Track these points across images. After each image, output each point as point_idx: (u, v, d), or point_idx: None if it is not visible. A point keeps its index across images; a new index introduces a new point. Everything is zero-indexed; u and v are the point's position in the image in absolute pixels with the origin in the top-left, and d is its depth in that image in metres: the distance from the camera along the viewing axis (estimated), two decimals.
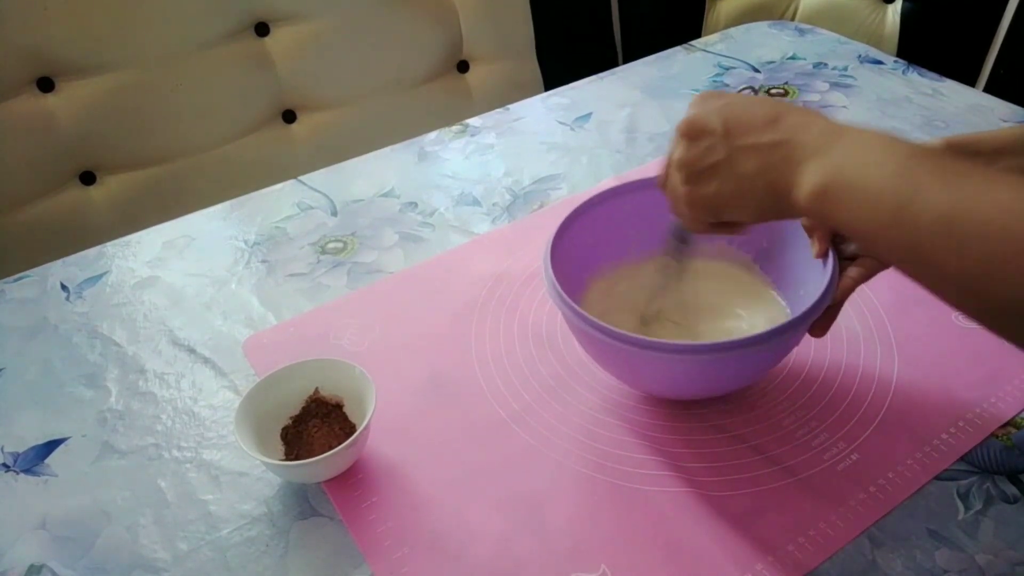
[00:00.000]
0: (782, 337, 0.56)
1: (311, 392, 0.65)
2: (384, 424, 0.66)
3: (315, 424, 0.64)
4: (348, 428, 0.64)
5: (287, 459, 0.62)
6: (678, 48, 1.20)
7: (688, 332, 0.67)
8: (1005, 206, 0.38)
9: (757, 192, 0.51)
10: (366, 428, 0.60)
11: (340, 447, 0.58)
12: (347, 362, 0.64)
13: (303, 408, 0.65)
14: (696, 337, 0.67)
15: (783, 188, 0.49)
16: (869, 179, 0.44)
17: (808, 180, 0.47)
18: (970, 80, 1.31)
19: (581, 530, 0.58)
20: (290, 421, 0.64)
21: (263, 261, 0.85)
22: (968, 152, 0.57)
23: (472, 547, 0.57)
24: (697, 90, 1.08)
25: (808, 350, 0.70)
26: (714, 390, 0.63)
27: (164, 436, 0.67)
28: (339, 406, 0.65)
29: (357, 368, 0.64)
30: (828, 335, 0.59)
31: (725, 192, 0.53)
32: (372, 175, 0.97)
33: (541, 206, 0.90)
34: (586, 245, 0.68)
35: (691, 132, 0.53)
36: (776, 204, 0.51)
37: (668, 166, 0.57)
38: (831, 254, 0.58)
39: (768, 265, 0.70)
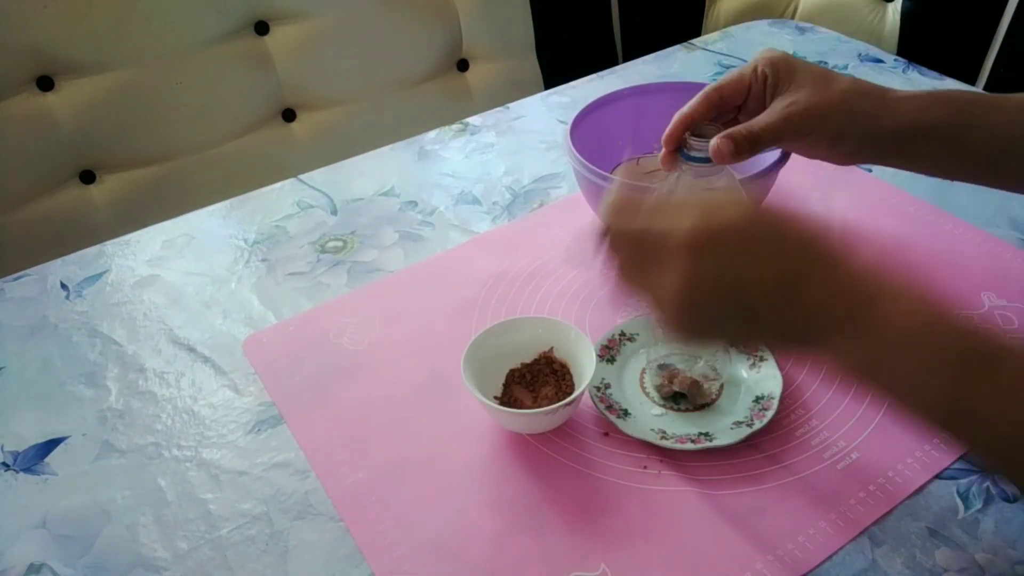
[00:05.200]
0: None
1: (546, 349, 0.67)
2: (384, 423, 0.66)
3: (544, 378, 0.67)
4: (564, 389, 0.65)
5: (500, 402, 0.65)
6: (678, 47, 1.20)
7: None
8: None
9: (770, 347, 0.48)
10: (580, 394, 0.61)
11: (558, 404, 0.60)
12: (566, 323, 0.67)
13: (534, 360, 0.67)
14: None
15: (800, 357, 0.45)
16: (911, 401, 0.39)
17: (829, 360, 0.41)
18: (970, 79, 1.31)
19: (581, 530, 0.58)
20: (521, 366, 0.67)
21: (263, 260, 0.85)
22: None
23: (472, 547, 0.57)
24: None
25: None
26: None
27: (164, 435, 0.67)
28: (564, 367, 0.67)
29: (573, 330, 0.66)
30: None
31: (729, 341, 0.47)
32: (372, 174, 0.97)
33: (541, 205, 0.90)
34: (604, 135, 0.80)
35: (691, 300, 0.42)
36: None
37: (651, 309, 0.45)
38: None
39: None
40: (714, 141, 0.55)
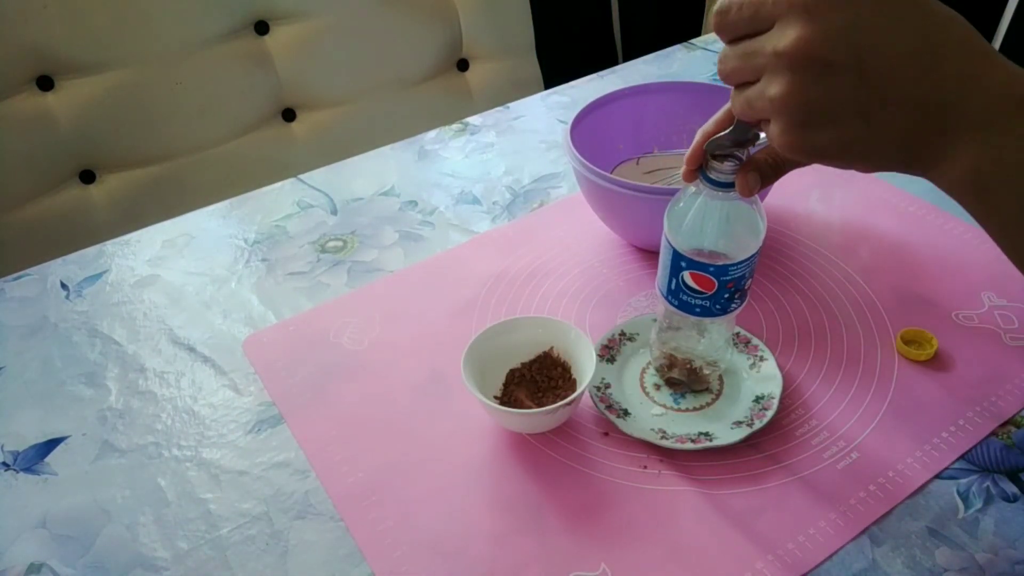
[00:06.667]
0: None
1: (546, 349, 0.67)
2: (384, 423, 0.66)
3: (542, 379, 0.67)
4: (561, 389, 0.65)
5: (500, 402, 0.65)
6: (678, 46, 1.20)
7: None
8: None
9: (889, 152, 0.39)
10: (579, 394, 0.61)
11: (559, 403, 0.60)
12: (566, 323, 0.67)
13: (534, 359, 0.67)
14: None
15: (925, 158, 0.38)
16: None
17: (960, 161, 0.37)
18: None
19: (581, 530, 0.58)
20: (521, 365, 0.67)
21: (263, 260, 0.85)
22: None
23: (472, 547, 0.57)
24: None
25: (809, 347, 0.70)
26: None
27: (164, 435, 0.67)
28: (566, 369, 0.67)
29: (573, 330, 0.66)
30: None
31: (845, 143, 0.40)
32: (372, 174, 0.97)
33: (541, 204, 0.90)
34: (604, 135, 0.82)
35: (809, 63, 0.37)
36: (907, 167, 0.40)
37: (758, 97, 0.42)
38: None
39: None
40: (740, 178, 0.54)
